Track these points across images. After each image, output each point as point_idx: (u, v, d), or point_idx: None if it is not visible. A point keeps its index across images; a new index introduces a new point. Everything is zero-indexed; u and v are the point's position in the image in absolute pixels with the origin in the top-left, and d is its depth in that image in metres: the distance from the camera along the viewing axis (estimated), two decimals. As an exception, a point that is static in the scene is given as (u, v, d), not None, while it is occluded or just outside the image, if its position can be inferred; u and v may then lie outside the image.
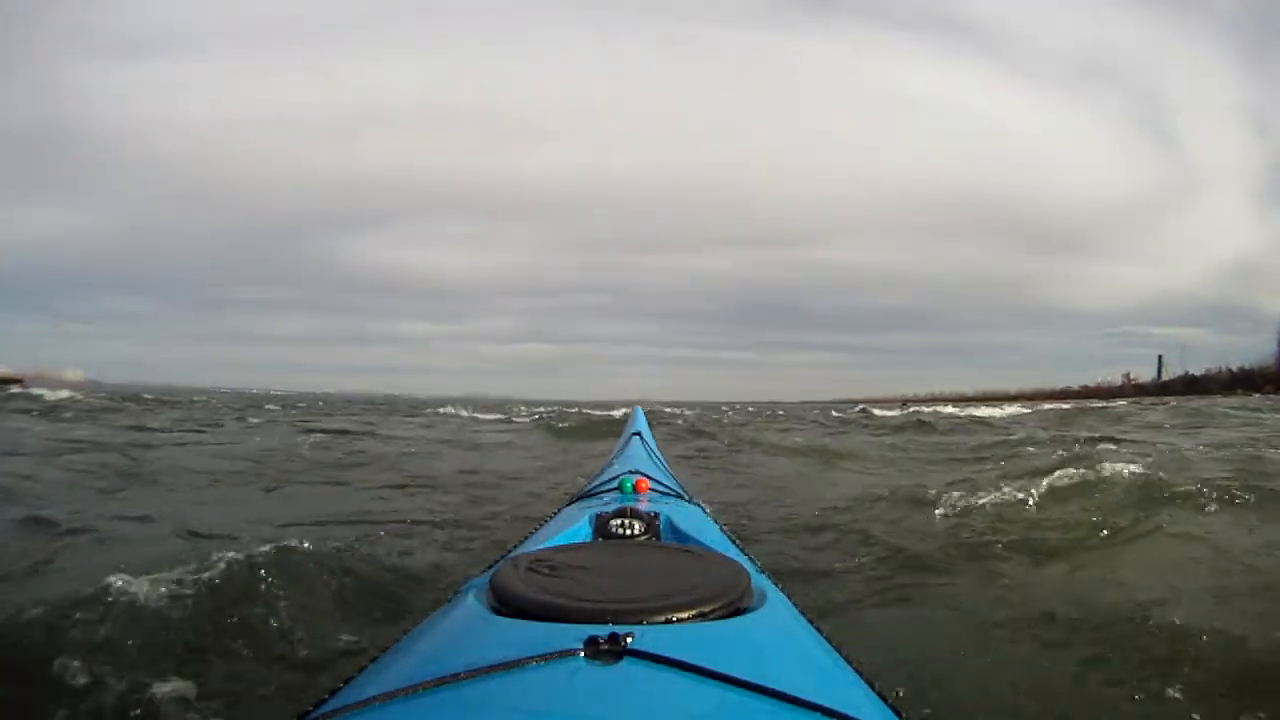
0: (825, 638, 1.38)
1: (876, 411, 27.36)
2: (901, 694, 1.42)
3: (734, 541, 2.13)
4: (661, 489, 2.77)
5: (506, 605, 1.28)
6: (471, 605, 1.34)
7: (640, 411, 5.16)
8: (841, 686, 1.16)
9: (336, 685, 1.17)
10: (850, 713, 0.98)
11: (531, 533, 2.23)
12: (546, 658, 1.02)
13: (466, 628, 1.27)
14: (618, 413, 18.76)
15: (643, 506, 2.16)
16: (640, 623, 1.15)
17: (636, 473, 2.88)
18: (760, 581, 1.49)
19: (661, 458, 4.04)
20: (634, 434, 4.33)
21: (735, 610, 1.28)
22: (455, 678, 0.99)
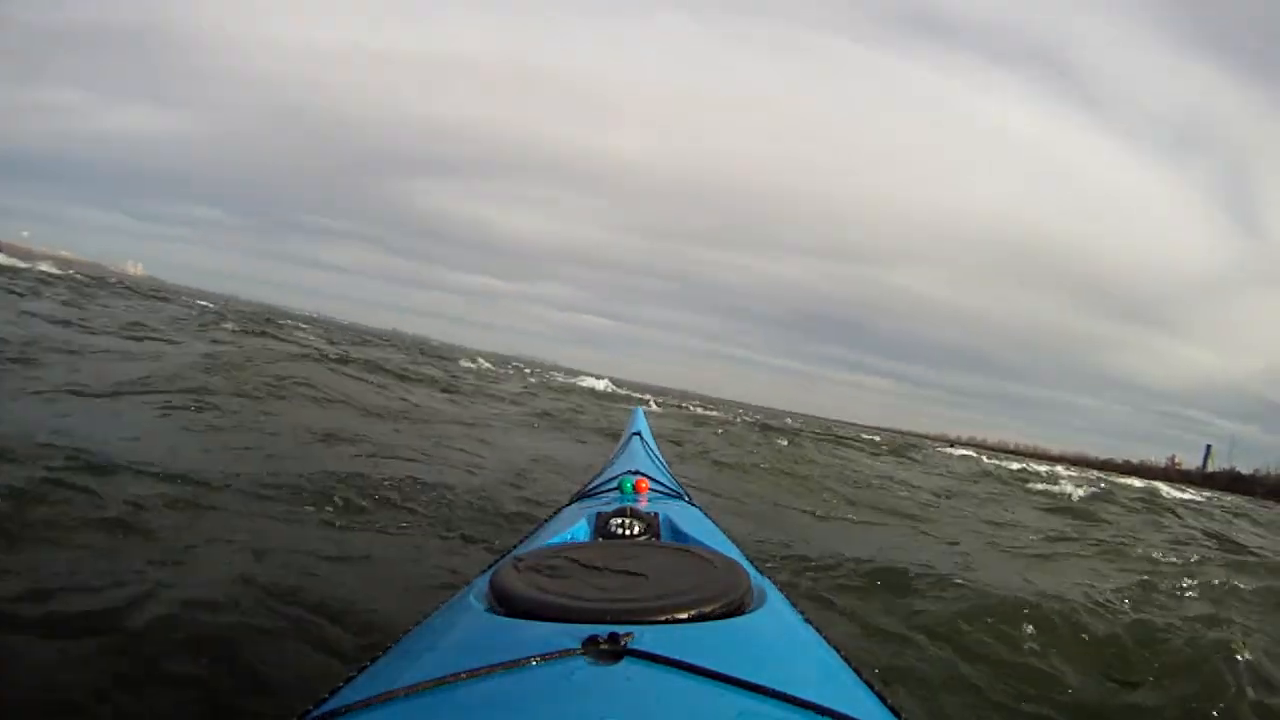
0: (825, 638, 1.37)
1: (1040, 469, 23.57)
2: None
3: (733, 541, 2.12)
4: (661, 489, 2.75)
5: (506, 605, 1.27)
6: (471, 605, 1.34)
7: (640, 411, 5.04)
8: (841, 686, 1.16)
9: (336, 685, 1.16)
10: (850, 713, 0.97)
11: (531, 533, 2.22)
12: (546, 657, 1.02)
13: (466, 628, 1.27)
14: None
15: (642, 506, 2.15)
16: (640, 623, 1.14)
17: (636, 473, 2.86)
18: (760, 581, 1.49)
19: (661, 458, 3.98)
20: (634, 434, 4.27)
21: (735, 610, 1.27)
22: (455, 678, 0.99)
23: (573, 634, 1.07)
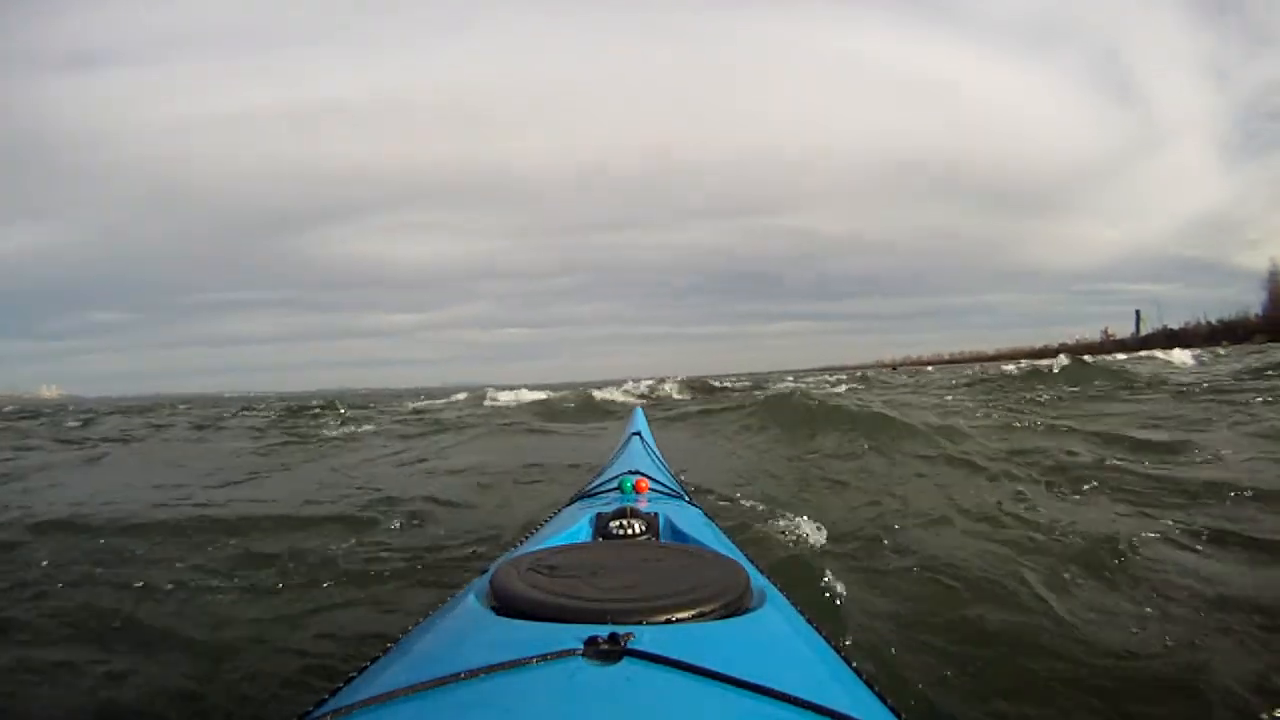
0: (825, 638, 1.37)
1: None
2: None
3: (733, 542, 2.11)
4: (661, 489, 2.73)
5: (506, 605, 1.27)
6: (472, 605, 1.33)
7: (640, 411, 5.09)
8: (841, 686, 1.15)
9: (336, 685, 1.16)
10: (850, 713, 0.97)
11: (532, 533, 2.21)
12: (547, 658, 1.01)
13: (467, 628, 1.26)
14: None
15: (642, 507, 2.14)
16: (640, 623, 1.14)
17: (636, 473, 2.86)
18: (760, 581, 1.49)
19: (661, 458, 3.98)
20: (634, 434, 4.26)
21: (735, 610, 1.27)
22: (455, 678, 0.99)
23: (573, 634, 1.07)
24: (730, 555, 1.69)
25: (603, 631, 1.06)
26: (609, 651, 1.03)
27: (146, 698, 2.69)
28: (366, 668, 1.22)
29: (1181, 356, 25.95)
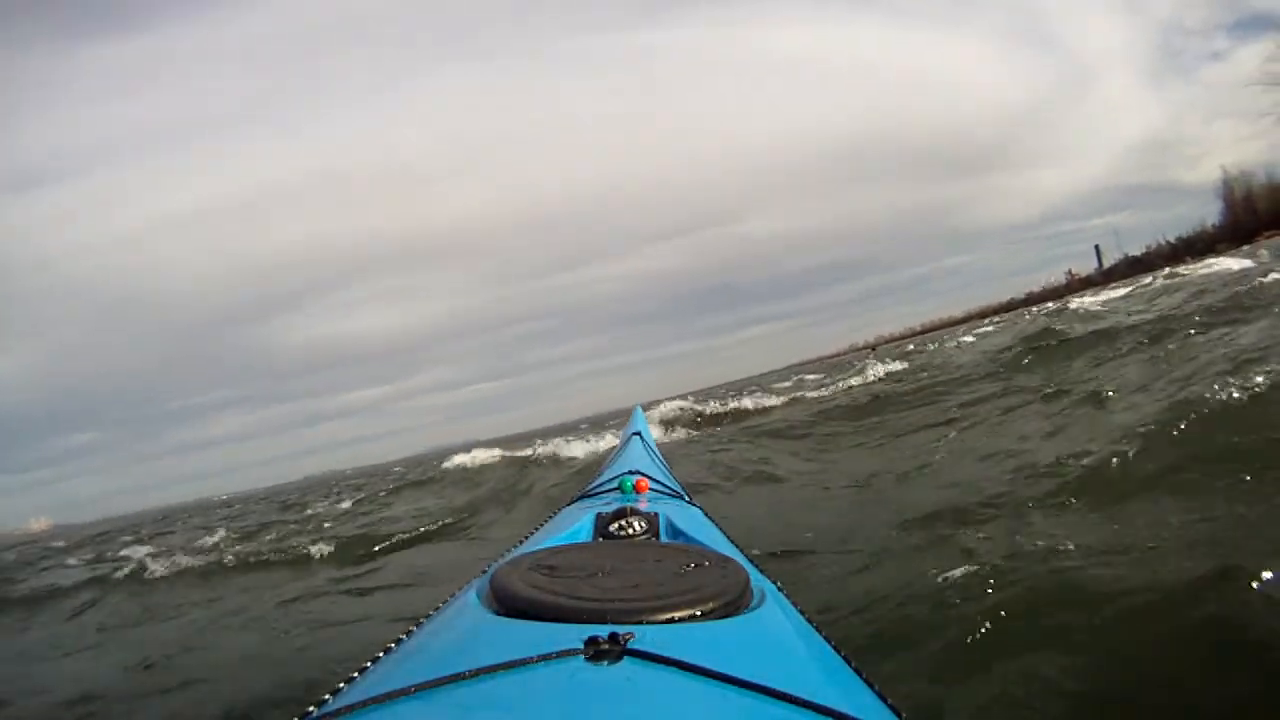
0: (825, 637, 1.36)
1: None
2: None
3: (733, 541, 2.12)
4: (661, 489, 2.74)
5: (507, 605, 1.27)
6: (472, 605, 1.33)
7: (640, 411, 5.08)
8: (841, 686, 1.14)
9: (337, 685, 1.16)
10: (850, 712, 0.96)
11: (532, 533, 2.21)
12: (547, 658, 1.01)
13: (467, 628, 1.26)
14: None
15: (643, 507, 2.12)
16: (640, 623, 1.14)
17: (636, 473, 2.84)
18: (760, 581, 1.48)
19: (661, 458, 4.00)
20: (634, 434, 4.26)
21: (735, 610, 1.26)
22: (456, 678, 0.99)
23: (573, 634, 1.07)
24: (730, 555, 1.68)
25: (603, 631, 1.06)
26: (609, 651, 1.02)
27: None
28: (366, 668, 1.22)
29: (1229, 263, 22.01)
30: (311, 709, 1.08)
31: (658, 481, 2.80)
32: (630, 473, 2.85)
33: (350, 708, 0.99)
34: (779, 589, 1.54)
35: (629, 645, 1.03)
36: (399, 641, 1.33)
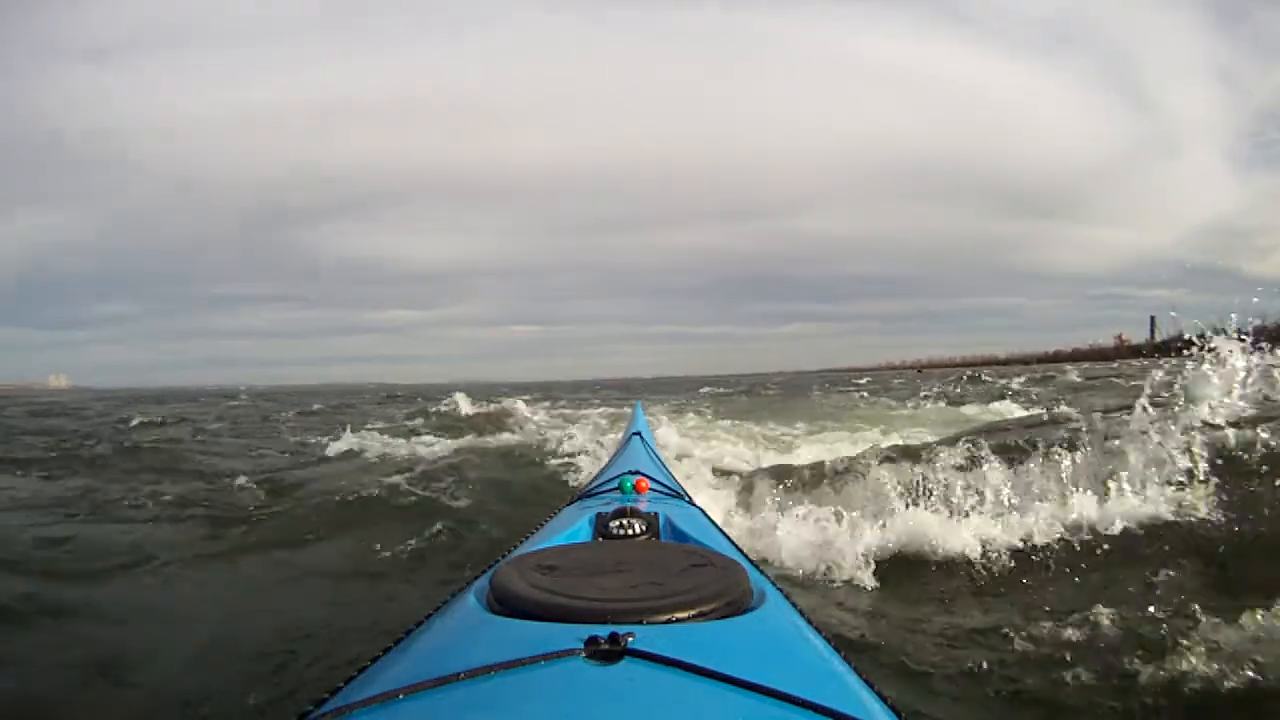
0: (825, 638, 1.36)
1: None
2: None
3: (733, 542, 2.12)
4: (661, 489, 2.75)
5: (507, 605, 1.27)
6: (472, 605, 1.34)
7: (640, 411, 5.16)
8: (842, 686, 1.14)
9: (337, 685, 1.16)
10: (850, 713, 0.96)
11: (532, 533, 2.20)
12: (547, 658, 1.01)
13: (467, 628, 1.26)
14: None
15: (642, 507, 2.13)
16: (640, 623, 1.14)
17: (636, 473, 2.85)
18: (759, 581, 1.48)
19: (661, 457, 4.02)
20: (634, 434, 4.30)
21: (735, 610, 1.27)
22: (455, 678, 0.99)
23: (573, 634, 1.07)
24: (730, 555, 1.70)
25: (603, 631, 1.06)
26: (609, 651, 1.02)
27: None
28: (367, 668, 1.22)
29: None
30: (311, 709, 1.08)
31: (658, 481, 2.80)
32: (630, 473, 2.85)
33: (350, 707, 0.99)
34: (779, 589, 1.54)
35: (629, 645, 1.03)
36: (399, 641, 1.33)
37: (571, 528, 2.04)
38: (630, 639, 1.04)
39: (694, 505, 2.69)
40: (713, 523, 2.40)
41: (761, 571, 1.66)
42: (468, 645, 1.15)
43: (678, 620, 1.18)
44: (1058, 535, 4.17)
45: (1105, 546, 4.02)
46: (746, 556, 1.88)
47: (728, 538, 2.16)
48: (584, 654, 1.02)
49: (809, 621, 1.43)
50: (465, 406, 15.48)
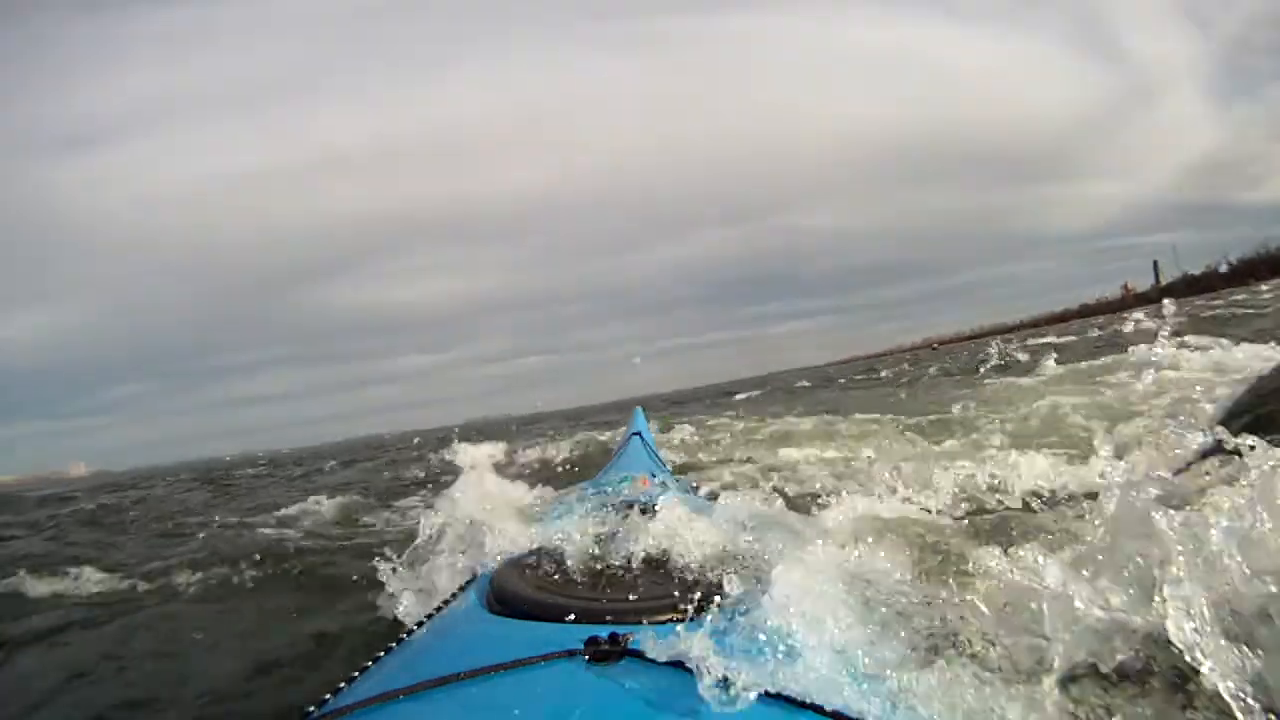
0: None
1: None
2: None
3: None
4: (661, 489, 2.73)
5: (507, 605, 1.28)
6: (472, 605, 1.36)
7: (640, 412, 5.14)
8: (842, 686, 1.12)
9: (338, 685, 1.17)
10: (850, 713, 0.97)
11: None
12: (547, 658, 1.02)
13: (467, 628, 1.28)
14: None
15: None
16: (640, 623, 1.15)
17: (637, 473, 2.90)
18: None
19: (661, 457, 4.06)
20: (634, 434, 4.33)
21: (735, 610, 1.26)
22: (456, 678, 1.00)
23: (573, 634, 1.08)
24: None
25: (603, 631, 1.06)
26: (609, 651, 1.03)
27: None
28: (367, 668, 1.22)
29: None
30: (311, 709, 1.09)
31: (658, 481, 2.82)
32: (630, 473, 2.91)
33: (350, 707, 1.00)
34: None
35: (629, 645, 1.04)
36: (399, 641, 1.34)
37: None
38: (630, 639, 1.05)
39: None
40: None
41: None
42: (468, 645, 1.16)
43: (678, 620, 1.18)
44: None
45: None
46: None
47: None
48: (584, 654, 1.03)
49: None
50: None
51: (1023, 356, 13.89)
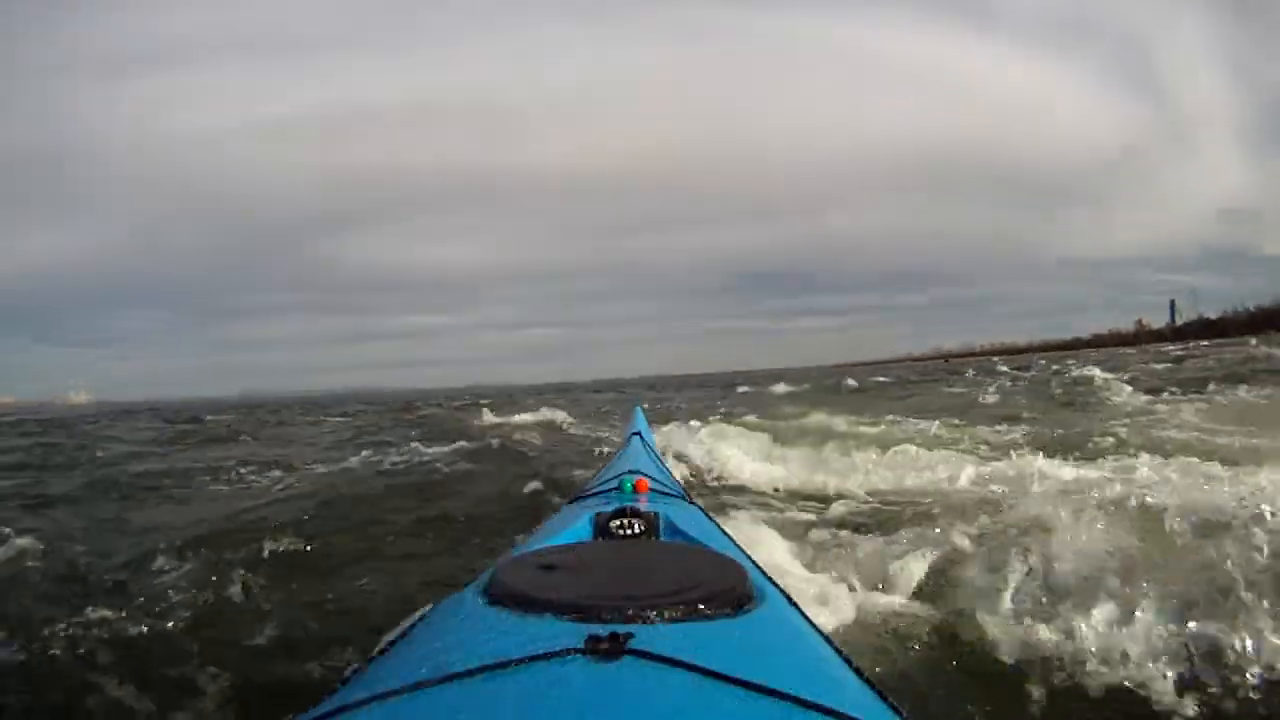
0: (825, 636, 1.35)
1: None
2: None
3: (733, 540, 2.12)
4: (661, 489, 2.74)
5: (507, 604, 1.27)
6: (472, 604, 1.34)
7: (640, 411, 5.09)
8: (842, 685, 1.14)
9: (337, 684, 1.16)
10: (850, 712, 0.96)
11: (532, 532, 2.25)
12: (547, 656, 1.01)
13: (467, 626, 1.26)
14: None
15: (642, 506, 2.13)
16: (640, 621, 1.14)
17: (636, 472, 2.85)
18: (760, 580, 1.48)
19: (661, 457, 4.07)
20: (634, 434, 4.30)
21: (735, 609, 1.26)
22: (456, 676, 0.99)
23: (573, 633, 1.07)
24: (730, 554, 1.70)
25: (603, 630, 1.06)
26: (609, 650, 1.02)
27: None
28: (367, 666, 1.22)
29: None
30: (311, 708, 1.08)
31: (658, 481, 2.81)
32: (630, 472, 2.86)
33: (350, 706, 0.99)
34: (779, 588, 1.55)
35: (629, 644, 1.03)
36: (400, 639, 1.34)
37: (572, 527, 2.05)
38: (630, 638, 1.04)
39: (693, 504, 2.71)
40: (713, 521, 2.42)
41: (762, 570, 1.66)
42: (468, 643, 1.15)
43: (678, 619, 1.17)
44: None
45: None
46: (747, 555, 1.88)
47: (728, 536, 2.16)
48: (584, 653, 1.02)
49: (809, 620, 1.43)
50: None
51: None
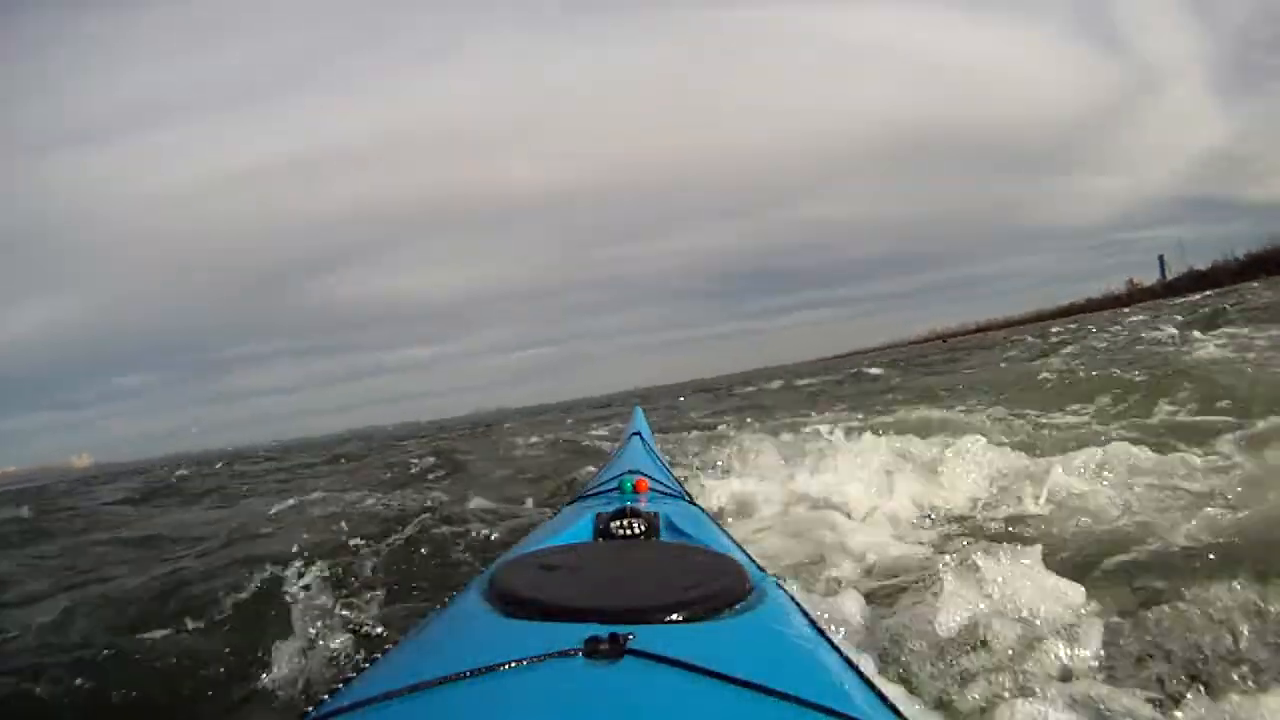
0: (825, 636, 1.35)
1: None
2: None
3: (733, 540, 2.11)
4: (661, 489, 2.74)
5: (507, 605, 1.27)
6: (472, 605, 1.34)
7: (640, 411, 5.06)
8: (842, 685, 1.13)
9: (338, 685, 1.16)
10: (850, 712, 0.96)
11: (532, 533, 2.24)
12: (547, 657, 1.01)
13: (467, 627, 1.27)
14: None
15: (642, 506, 2.13)
16: (641, 622, 1.14)
17: (636, 473, 2.84)
18: (760, 580, 1.48)
19: (661, 457, 4.04)
20: (634, 434, 4.29)
21: (735, 609, 1.27)
22: (456, 677, 0.99)
23: (573, 634, 1.07)
24: (730, 554, 1.71)
25: (603, 631, 1.05)
26: (609, 651, 1.02)
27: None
28: (367, 667, 1.21)
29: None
30: (311, 709, 1.08)
31: (658, 481, 2.82)
32: (630, 473, 2.85)
33: (350, 707, 0.99)
34: (779, 588, 1.54)
35: (629, 645, 1.03)
36: (399, 641, 1.34)
37: (572, 527, 2.05)
38: (630, 639, 1.04)
39: (694, 504, 2.73)
40: (713, 521, 2.42)
41: (762, 570, 1.66)
42: (468, 645, 1.15)
43: (678, 620, 1.18)
44: None
45: None
46: (747, 555, 1.88)
47: (728, 536, 2.16)
48: (584, 654, 1.02)
49: (809, 620, 1.42)
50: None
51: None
